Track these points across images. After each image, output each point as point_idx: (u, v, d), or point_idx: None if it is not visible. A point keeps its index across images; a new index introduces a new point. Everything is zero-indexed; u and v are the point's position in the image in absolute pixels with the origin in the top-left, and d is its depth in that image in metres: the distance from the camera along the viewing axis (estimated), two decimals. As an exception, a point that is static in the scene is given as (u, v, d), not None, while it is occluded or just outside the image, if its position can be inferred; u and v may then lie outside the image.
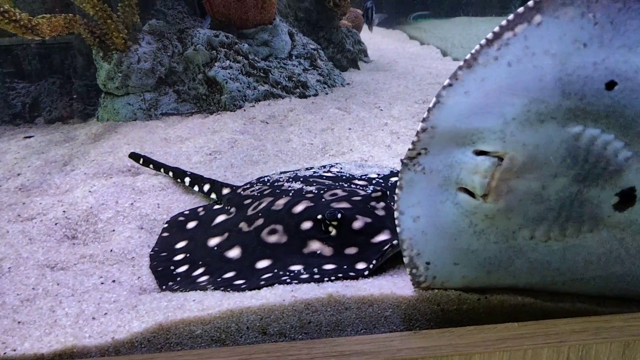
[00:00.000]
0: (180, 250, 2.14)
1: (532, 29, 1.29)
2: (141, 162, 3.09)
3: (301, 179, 2.44)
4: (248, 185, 2.55)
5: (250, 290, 1.75)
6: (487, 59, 1.33)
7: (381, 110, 4.43)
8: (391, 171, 2.76)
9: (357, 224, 1.92)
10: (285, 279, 1.77)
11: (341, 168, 2.69)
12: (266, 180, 2.60)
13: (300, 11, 7.06)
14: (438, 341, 1.47)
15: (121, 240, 2.28)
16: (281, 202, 2.14)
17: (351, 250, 1.87)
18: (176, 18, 5.49)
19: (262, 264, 1.90)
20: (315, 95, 5.00)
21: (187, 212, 2.44)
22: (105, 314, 1.76)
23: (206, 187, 2.66)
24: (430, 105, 1.39)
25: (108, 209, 2.50)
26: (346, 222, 1.91)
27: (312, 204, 2.06)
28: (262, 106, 4.37)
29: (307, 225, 1.96)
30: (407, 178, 1.49)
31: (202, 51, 4.43)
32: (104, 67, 4.22)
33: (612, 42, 1.31)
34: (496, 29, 1.30)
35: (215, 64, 4.45)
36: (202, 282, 1.89)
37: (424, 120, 1.40)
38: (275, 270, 1.84)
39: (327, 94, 5.12)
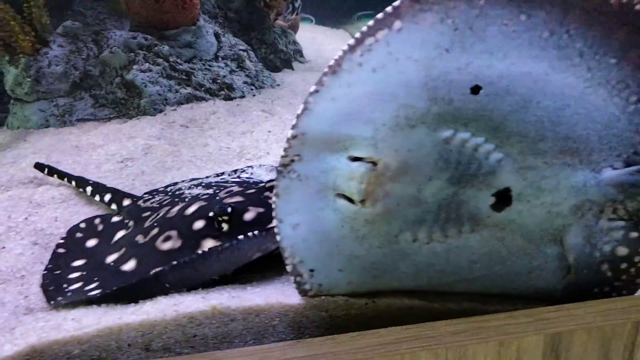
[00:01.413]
0: (77, 269, 2.04)
1: (393, 35, 1.30)
2: (46, 172, 2.96)
3: (202, 185, 2.39)
4: (148, 196, 2.46)
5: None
6: (352, 65, 1.33)
7: (306, 112, 4.41)
8: None
9: (249, 216, 1.88)
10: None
11: (252, 173, 2.65)
12: (170, 189, 2.52)
13: (231, 11, 6.95)
14: (319, 349, 1.45)
15: (10, 257, 2.16)
16: (176, 208, 2.09)
17: None
18: (96, 19, 5.29)
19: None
20: (242, 97, 4.93)
21: (83, 226, 2.33)
22: (-21, 338, 1.66)
23: (107, 197, 2.55)
24: (299, 111, 1.37)
25: (-1, 225, 2.36)
26: (237, 215, 1.88)
27: (205, 204, 2.02)
28: (183, 109, 4.27)
29: (199, 224, 1.91)
30: (283, 185, 1.47)
31: (118, 54, 4.28)
32: (11, 72, 4.01)
33: (473, 48, 1.33)
34: (357, 34, 1.29)
35: (134, 66, 4.31)
36: (93, 295, 1.81)
37: (293, 126, 1.38)
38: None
39: (254, 95, 5.07)
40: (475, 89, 1.37)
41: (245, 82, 5.21)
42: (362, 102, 1.36)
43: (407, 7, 1.27)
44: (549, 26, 1.34)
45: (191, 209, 1.99)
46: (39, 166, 3.01)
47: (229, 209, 1.87)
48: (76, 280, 1.97)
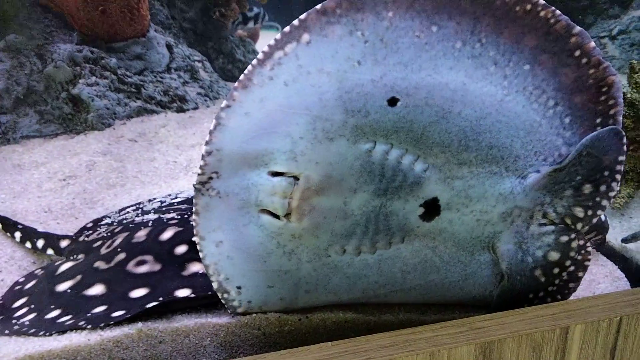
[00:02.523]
0: (22, 306, 1.90)
1: (302, 48, 1.28)
2: None
3: (152, 210, 2.32)
4: (87, 232, 2.36)
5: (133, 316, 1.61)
6: (262, 79, 1.30)
7: (259, 122, 4.37)
8: None
9: None
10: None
11: (188, 195, 2.59)
12: (108, 222, 2.42)
13: (186, 22, 6.87)
14: (246, 370, 1.42)
15: None
16: (141, 233, 2.01)
17: None
18: (43, 32, 5.15)
19: (138, 292, 1.74)
20: (195, 108, 4.86)
21: (22, 279, 2.15)
22: None
23: (40, 243, 2.34)
24: (211, 127, 1.34)
25: None
26: None
27: (180, 229, 1.97)
28: (133, 123, 4.18)
29: (182, 249, 1.88)
30: (203, 203, 1.43)
31: (63, 68, 4.17)
32: (-52, 89, 3.87)
33: (386, 60, 1.32)
34: (265, 48, 1.27)
35: (80, 80, 4.20)
36: (66, 321, 1.69)
37: (207, 143, 1.35)
38: (161, 299, 1.69)
39: (208, 106, 5.00)
40: (393, 101, 1.36)
41: (199, 94, 5.14)
42: (277, 116, 1.34)
43: (315, 20, 1.26)
44: (460, 36, 1.34)
45: (167, 235, 1.95)
46: None
47: None
48: (27, 313, 1.83)
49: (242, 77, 1.30)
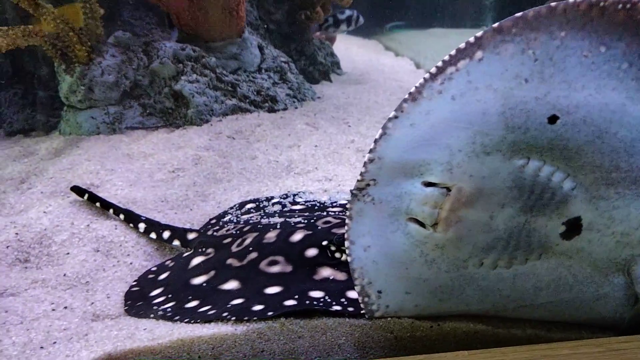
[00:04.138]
0: (160, 295, 2.02)
1: (474, 65, 1.31)
2: (85, 197, 2.74)
3: (277, 214, 2.41)
4: (212, 227, 2.48)
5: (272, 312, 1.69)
6: (432, 93, 1.35)
7: (349, 126, 4.44)
8: None
9: None
10: (316, 305, 1.72)
11: (307, 199, 2.66)
12: (229, 219, 2.54)
13: (272, 23, 7.05)
14: (388, 371, 1.47)
15: (75, 263, 2.23)
16: (271, 235, 2.10)
17: None
18: (144, 29, 5.42)
19: (273, 290, 1.84)
20: (285, 109, 4.99)
21: (154, 269, 2.30)
22: (54, 342, 1.73)
23: (166, 234, 2.46)
24: (377, 136, 1.40)
25: (63, 231, 2.44)
26: None
27: (310, 232, 2.05)
28: (229, 121, 4.35)
29: (312, 252, 1.95)
30: (357, 208, 1.49)
31: (167, 64, 4.39)
32: (66, 80, 4.14)
33: (552, 78, 1.34)
34: (439, 63, 1.32)
35: (182, 77, 4.41)
36: (208, 311, 1.80)
37: (371, 151, 1.41)
38: (297, 297, 1.76)
39: (296, 108, 5.11)
40: (553, 119, 1.38)
41: (287, 95, 5.27)
42: (440, 128, 1.38)
43: (490, 38, 1.29)
44: (628, 58, 1.34)
45: (297, 237, 2.03)
46: (78, 190, 2.79)
47: None
48: (165, 302, 1.94)
49: (412, 90, 1.35)
